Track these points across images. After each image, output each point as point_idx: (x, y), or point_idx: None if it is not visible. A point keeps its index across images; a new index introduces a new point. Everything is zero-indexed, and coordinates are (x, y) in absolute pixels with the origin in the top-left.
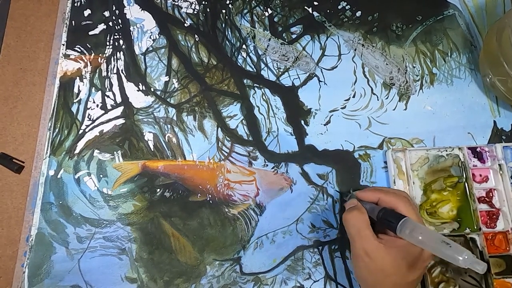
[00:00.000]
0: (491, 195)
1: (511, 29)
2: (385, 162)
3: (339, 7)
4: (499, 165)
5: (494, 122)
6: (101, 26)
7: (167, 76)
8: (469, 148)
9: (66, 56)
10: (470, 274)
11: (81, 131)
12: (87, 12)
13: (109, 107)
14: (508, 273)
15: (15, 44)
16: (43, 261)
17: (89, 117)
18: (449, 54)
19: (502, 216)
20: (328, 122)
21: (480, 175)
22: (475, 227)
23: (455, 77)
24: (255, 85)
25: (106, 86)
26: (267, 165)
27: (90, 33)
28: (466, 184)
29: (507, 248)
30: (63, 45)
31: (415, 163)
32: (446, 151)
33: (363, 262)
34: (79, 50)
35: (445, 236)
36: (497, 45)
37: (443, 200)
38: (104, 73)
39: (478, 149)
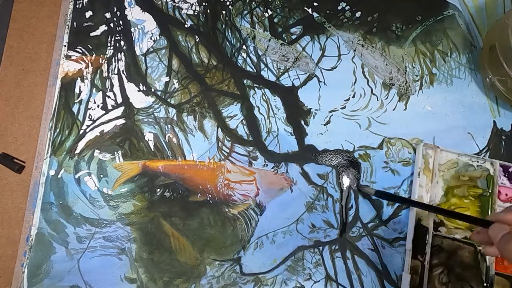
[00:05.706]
0: None
1: (511, 29)
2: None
3: (339, 7)
4: None
5: (494, 122)
6: (103, 28)
7: (168, 77)
8: (501, 166)
9: (68, 57)
10: (471, 284)
11: (81, 131)
12: (88, 14)
13: (109, 107)
14: None
15: (18, 46)
16: (43, 261)
17: (90, 117)
18: (449, 54)
19: None
20: (328, 122)
21: (506, 195)
22: None
23: (455, 77)
24: (255, 85)
25: (107, 87)
26: (267, 165)
27: (92, 34)
28: (490, 199)
29: None
30: (65, 46)
31: (444, 164)
32: (478, 162)
33: None
34: (81, 51)
35: (456, 240)
36: (497, 45)
37: (462, 207)
38: (105, 74)
39: (511, 169)
